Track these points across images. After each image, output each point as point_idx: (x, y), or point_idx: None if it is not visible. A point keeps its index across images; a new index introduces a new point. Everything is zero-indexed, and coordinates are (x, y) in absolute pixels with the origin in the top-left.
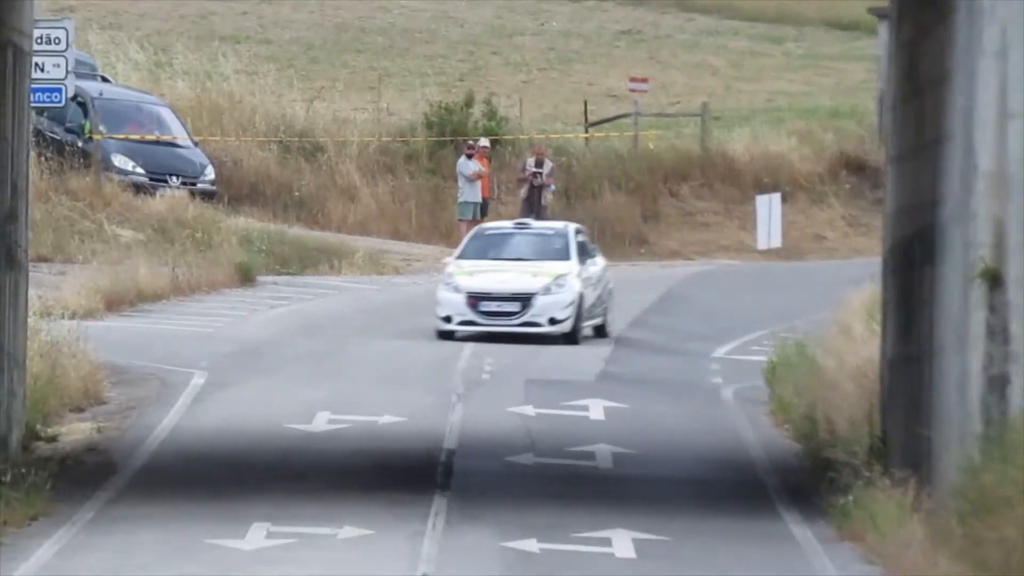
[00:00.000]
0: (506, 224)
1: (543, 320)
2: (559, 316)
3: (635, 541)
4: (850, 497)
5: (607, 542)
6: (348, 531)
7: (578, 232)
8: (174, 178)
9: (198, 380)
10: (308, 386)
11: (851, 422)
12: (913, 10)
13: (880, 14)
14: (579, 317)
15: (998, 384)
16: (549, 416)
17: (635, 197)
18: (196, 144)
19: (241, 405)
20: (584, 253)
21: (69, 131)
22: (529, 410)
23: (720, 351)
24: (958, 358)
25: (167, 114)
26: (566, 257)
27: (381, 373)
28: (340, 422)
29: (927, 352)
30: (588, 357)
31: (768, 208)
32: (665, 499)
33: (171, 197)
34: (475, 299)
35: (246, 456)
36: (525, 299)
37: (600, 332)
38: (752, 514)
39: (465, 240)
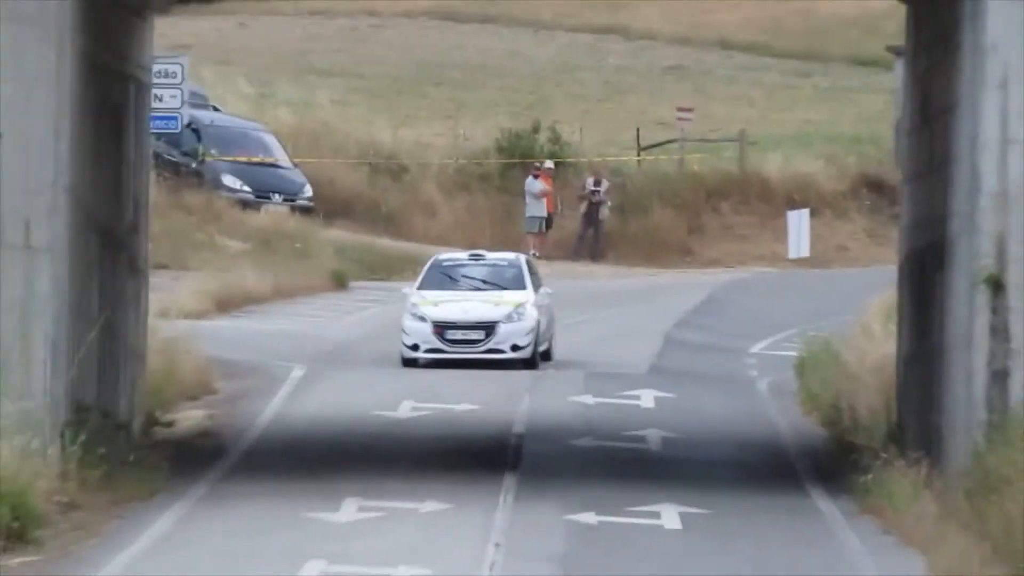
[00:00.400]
0: (462, 255)
1: (506, 347)
2: (521, 343)
3: (681, 514)
4: (869, 477)
5: (657, 515)
6: (430, 505)
7: (528, 262)
8: (276, 195)
9: (297, 373)
10: (393, 378)
11: (871, 411)
12: (925, 48)
13: (897, 52)
14: (537, 343)
15: (1000, 378)
16: (606, 404)
17: (681, 212)
18: (296, 166)
19: (335, 394)
20: (535, 282)
21: (185, 154)
22: (589, 399)
23: (755, 348)
24: (965, 355)
25: (270, 139)
26: (522, 286)
27: (444, 367)
28: (422, 409)
29: (937, 349)
30: (640, 353)
31: (798, 222)
32: (707, 477)
33: (274, 212)
34: (441, 328)
35: (339, 439)
36: (489, 327)
37: (545, 356)
38: (783, 491)
39: (424, 271)
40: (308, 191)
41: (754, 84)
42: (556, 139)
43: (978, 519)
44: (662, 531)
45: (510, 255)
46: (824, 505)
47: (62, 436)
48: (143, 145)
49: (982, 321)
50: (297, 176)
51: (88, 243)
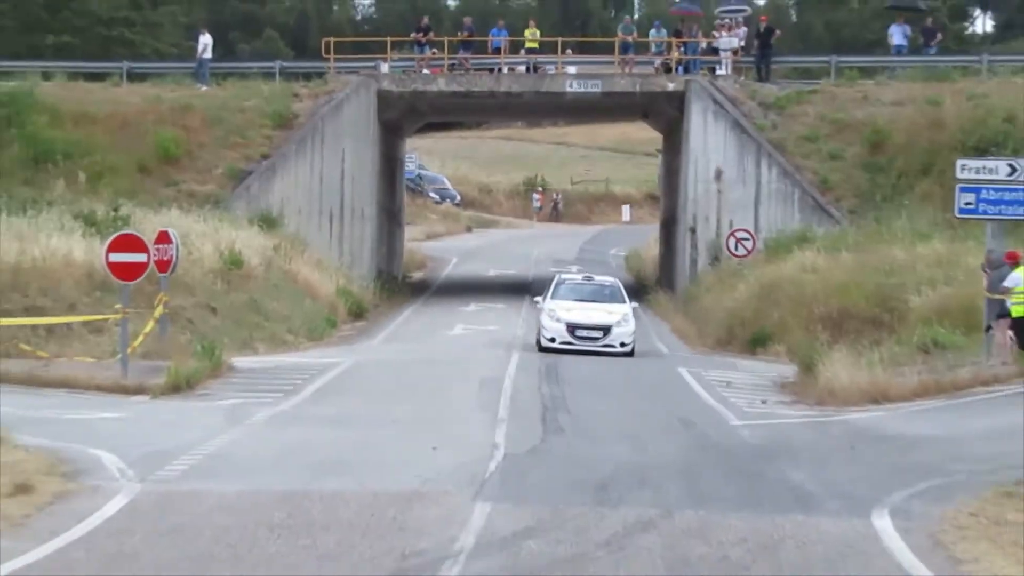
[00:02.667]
0: (577, 277)
1: (616, 344)
2: (626, 341)
3: None
4: (649, 296)
5: None
6: (500, 305)
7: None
8: (448, 199)
9: (455, 260)
10: (489, 262)
11: (651, 273)
12: (667, 149)
13: (659, 150)
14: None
15: (694, 263)
16: (561, 270)
17: (587, 205)
18: (453, 187)
19: (469, 267)
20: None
21: (416, 185)
22: (554, 268)
23: (612, 251)
24: (682, 256)
25: (444, 179)
26: (623, 301)
27: (504, 258)
28: (498, 273)
29: (672, 253)
30: (571, 252)
31: (627, 209)
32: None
33: (446, 205)
34: (572, 328)
35: (471, 283)
36: (606, 329)
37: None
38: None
39: (553, 286)
40: (458, 197)
41: (612, 161)
42: (543, 181)
43: (688, 312)
44: None
45: (608, 278)
46: (638, 306)
47: (374, 281)
48: (402, 182)
49: (688, 243)
50: (454, 191)
51: (382, 216)
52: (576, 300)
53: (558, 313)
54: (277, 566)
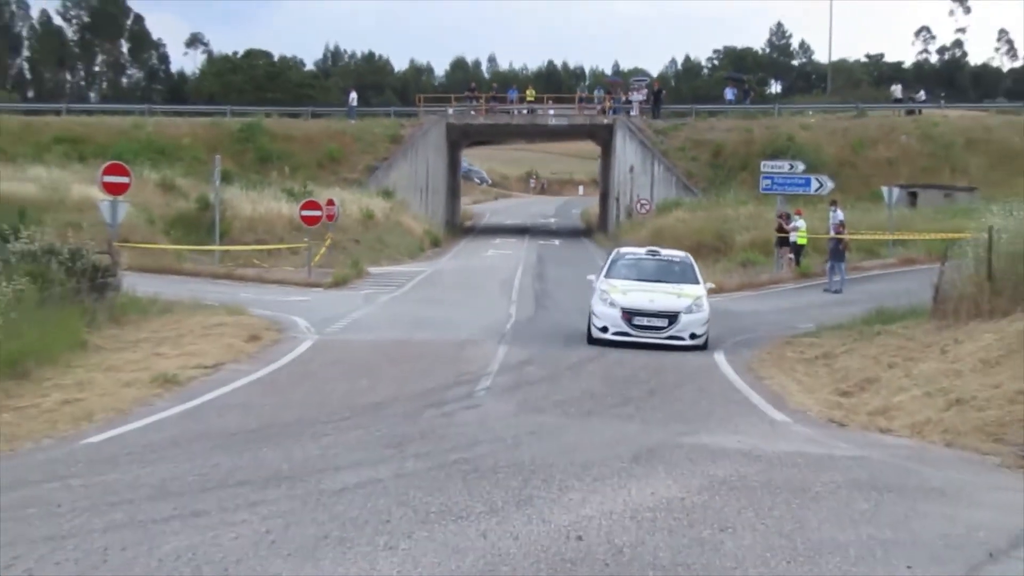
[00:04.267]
0: (640, 251)
1: (685, 335)
2: (698, 332)
3: (560, 242)
4: (593, 235)
5: (555, 242)
6: (513, 240)
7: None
8: (484, 183)
9: (487, 215)
10: (506, 216)
11: (595, 223)
12: (603, 155)
13: (599, 156)
14: (707, 332)
15: (617, 217)
16: (546, 222)
17: (560, 186)
18: (487, 176)
19: (495, 219)
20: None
21: (467, 174)
22: (543, 220)
23: (574, 211)
24: (611, 213)
25: (483, 171)
26: (696, 282)
27: (515, 214)
28: (513, 223)
29: (606, 211)
30: (550, 212)
31: (582, 188)
32: (565, 235)
33: (483, 186)
34: (629, 315)
35: (496, 227)
36: (672, 316)
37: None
38: (579, 237)
39: (608, 262)
40: (490, 181)
41: (573, 162)
42: (536, 172)
43: (613, 244)
44: (555, 245)
45: (679, 252)
46: (587, 240)
47: (444, 226)
48: (459, 173)
49: (614, 207)
50: (488, 178)
51: (448, 191)
52: (637, 279)
53: (612, 296)
54: (393, 378)
